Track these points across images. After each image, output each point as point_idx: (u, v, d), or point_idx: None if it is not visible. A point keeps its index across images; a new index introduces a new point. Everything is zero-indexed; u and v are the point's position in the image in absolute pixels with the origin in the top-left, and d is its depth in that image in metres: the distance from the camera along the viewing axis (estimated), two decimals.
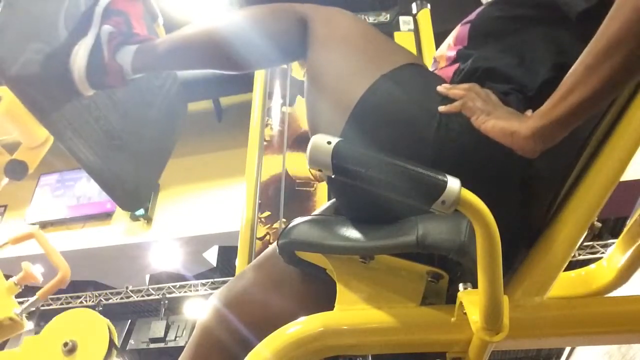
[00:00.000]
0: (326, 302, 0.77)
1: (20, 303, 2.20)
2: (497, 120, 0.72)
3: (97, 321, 2.21)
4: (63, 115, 1.09)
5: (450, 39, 0.92)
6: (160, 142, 1.34)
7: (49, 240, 2.29)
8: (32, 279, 2.23)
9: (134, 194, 1.25)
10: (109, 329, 2.17)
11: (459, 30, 0.90)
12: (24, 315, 2.15)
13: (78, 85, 1.07)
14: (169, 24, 1.21)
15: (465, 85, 0.77)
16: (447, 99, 0.77)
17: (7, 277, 2.28)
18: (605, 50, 0.62)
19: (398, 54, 0.86)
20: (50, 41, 1.07)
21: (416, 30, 2.62)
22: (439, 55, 0.93)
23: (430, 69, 0.93)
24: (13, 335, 2.23)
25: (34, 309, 2.30)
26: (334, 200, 0.98)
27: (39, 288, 2.24)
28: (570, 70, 0.66)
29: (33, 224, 6.14)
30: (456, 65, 0.85)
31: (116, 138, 1.21)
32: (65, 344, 2.10)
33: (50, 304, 6.47)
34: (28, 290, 2.33)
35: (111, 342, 2.12)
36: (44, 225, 6.02)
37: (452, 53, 0.88)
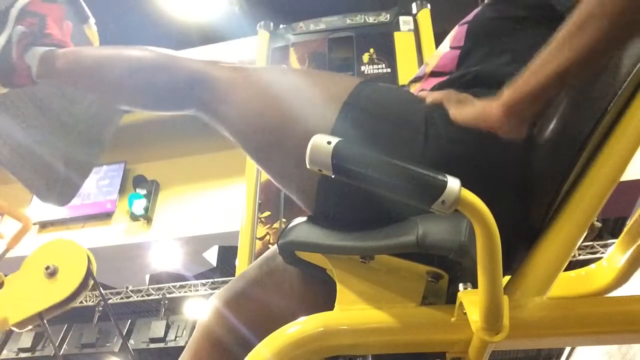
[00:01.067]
0: (326, 302, 0.77)
1: None
2: (470, 107, 0.73)
3: (77, 249, 2.29)
4: None
5: (447, 41, 0.92)
6: (87, 141, 1.33)
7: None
8: None
9: (56, 189, 1.26)
10: (88, 258, 2.24)
11: (457, 31, 0.90)
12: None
13: None
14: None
15: (442, 92, 0.79)
16: (424, 109, 0.77)
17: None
18: (578, 24, 0.62)
19: (341, 79, 0.85)
20: None
21: (416, 30, 2.62)
22: (434, 55, 0.94)
23: (419, 72, 0.93)
24: None
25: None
26: None
27: None
28: (547, 45, 0.66)
29: (33, 224, 6.13)
30: (438, 80, 0.85)
31: (36, 135, 1.22)
32: (47, 268, 2.18)
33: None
34: None
35: (89, 269, 2.19)
36: (43, 225, 6.02)
37: (450, 59, 0.88)
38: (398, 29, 2.64)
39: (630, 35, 0.62)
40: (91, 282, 2.24)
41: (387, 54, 2.60)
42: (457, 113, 0.74)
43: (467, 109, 0.74)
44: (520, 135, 0.71)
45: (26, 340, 6.74)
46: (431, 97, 0.79)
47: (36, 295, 2.17)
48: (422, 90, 0.89)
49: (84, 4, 1.26)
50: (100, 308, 6.78)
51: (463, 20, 0.91)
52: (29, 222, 2.41)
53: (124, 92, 0.99)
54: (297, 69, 0.88)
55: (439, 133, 0.74)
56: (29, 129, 1.21)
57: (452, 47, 0.89)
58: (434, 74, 0.90)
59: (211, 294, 6.54)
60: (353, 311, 0.74)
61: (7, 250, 2.35)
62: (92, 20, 1.28)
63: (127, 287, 6.85)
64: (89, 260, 2.24)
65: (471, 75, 0.82)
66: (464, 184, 0.57)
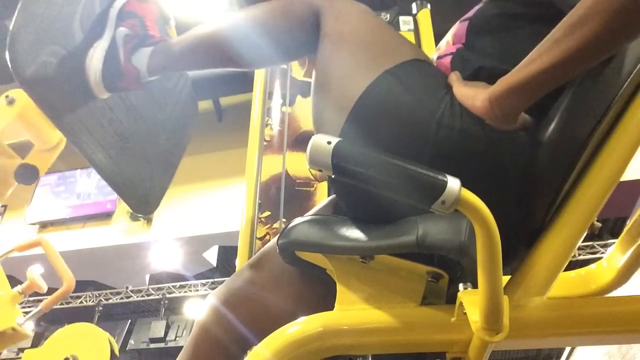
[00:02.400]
0: (326, 302, 0.77)
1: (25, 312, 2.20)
2: (467, 87, 0.76)
3: (98, 335, 2.22)
4: (77, 117, 1.08)
5: (449, 36, 0.92)
6: (172, 144, 1.33)
7: (55, 249, 2.28)
8: (37, 288, 2.22)
9: (146, 196, 1.25)
10: (109, 342, 2.17)
11: (458, 28, 0.90)
12: (27, 325, 2.15)
13: (93, 88, 1.07)
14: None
15: (453, 72, 0.82)
16: (446, 97, 0.77)
17: (9, 277, 2.27)
18: (572, 25, 0.63)
19: (403, 49, 0.86)
20: (66, 43, 1.07)
21: (416, 30, 2.62)
22: (435, 50, 0.94)
23: None
24: (14, 345, 2.23)
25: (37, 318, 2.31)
26: (331, 198, 0.98)
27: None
28: (541, 42, 0.67)
29: (33, 224, 6.14)
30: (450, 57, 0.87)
31: (129, 140, 1.20)
32: (66, 359, 2.11)
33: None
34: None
35: (112, 355, 2.13)
36: (44, 225, 6.02)
37: (450, 52, 0.88)
38: (398, 29, 2.64)
39: (621, 38, 0.63)
40: None
41: None
42: (457, 89, 0.77)
43: (465, 89, 0.76)
44: (505, 126, 0.73)
45: (26, 340, 6.73)
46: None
47: None
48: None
49: (164, 5, 1.24)
50: (101, 308, 6.78)
51: (464, 17, 0.91)
52: (72, 283, 2.29)
53: (256, 48, 0.97)
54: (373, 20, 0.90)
55: (452, 123, 0.75)
56: (124, 135, 1.19)
57: (453, 44, 0.89)
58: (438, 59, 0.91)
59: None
60: (353, 311, 0.74)
61: (40, 312, 2.26)
62: (172, 21, 1.27)
63: (127, 287, 6.86)
64: (111, 345, 2.16)
65: (470, 71, 0.82)
66: (466, 182, 0.57)
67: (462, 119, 0.75)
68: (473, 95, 0.74)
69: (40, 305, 2.25)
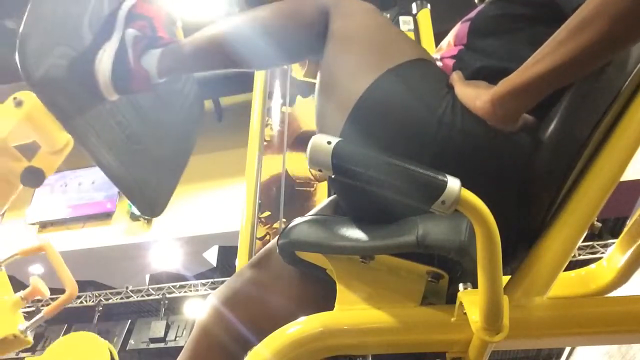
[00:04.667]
0: (326, 302, 0.77)
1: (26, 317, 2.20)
2: (469, 88, 0.76)
3: (98, 344, 2.22)
4: (86, 119, 1.07)
5: (450, 37, 0.92)
6: (179, 146, 1.33)
7: (58, 254, 2.28)
8: (39, 294, 2.22)
9: (154, 198, 1.24)
10: (110, 351, 2.17)
11: (459, 28, 0.90)
12: (28, 331, 2.14)
13: (103, 90, 1.06)
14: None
15: (455, 72, 0.82)
16: (448, 96, 0.77)
17: (9, 277, 2.27)
18: (576, 27, 0.63)
19: (406, 49, 0.86)
20: (75, 45, 1.06)
21: (416, 30, 2.62)
22: (436, 50, 0.94)
23: None
24: (14, 351, 2.23)
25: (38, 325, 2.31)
26: (331, 198, 0.98)
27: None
28: (544, 44, 0.67)
29: (33, 224, 6.14)
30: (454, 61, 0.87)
31: (137, 142, 1.20)
32: None
33: (50, 304, 6.48)
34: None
35: None
36: (44, 225, 6.03)
37: (452, 53, 0.88)
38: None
39: (625, 41, 0.63)
40: None
41: None
42: (459, 89, 0.77)
43: (467, 90, 0.76)
44: (507, 127, 0.73)
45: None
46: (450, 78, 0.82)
47: None
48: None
49: (171, 7, 1.24)
50: (101, 308, 6.78)
51: (466, 17, 0.91)
52: (74, 290, 2.29)
53: (265, 49, 0.97)
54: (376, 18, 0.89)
55: (453, 122, 0.75)
56: (132, 137, 1.18)
57: (455, 45, 0.89)
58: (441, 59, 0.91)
59: (211, 294, 6.54)
60: (353, 311, 0.74)
61: (42, 319, 2.26)
62: (179, 22, 1.27)
63: (127, 287, 6.86)
64: (111, 354, 2.15)
65: (471, 70, 0.82)
66: (466, 182, 0.57)
67: (463, 119, 0.75)
68: (475, 96, 0.74)
69: (43, 312, 2.25)
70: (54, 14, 1.03)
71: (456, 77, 0.80)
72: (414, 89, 0.79)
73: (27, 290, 2.22)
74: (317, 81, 0.90)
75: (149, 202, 1.23)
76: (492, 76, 0.78)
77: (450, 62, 0.87)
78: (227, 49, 1.00)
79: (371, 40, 0.86)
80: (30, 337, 2.14)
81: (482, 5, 0.90)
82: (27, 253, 2.30)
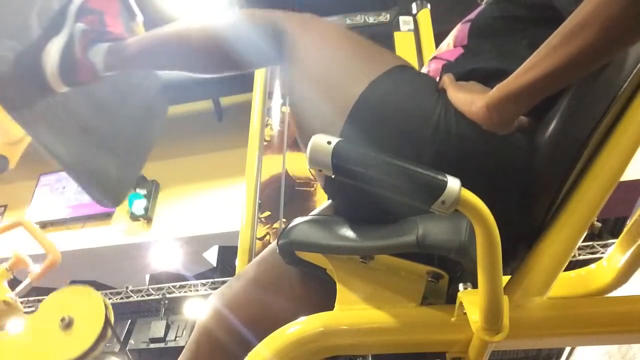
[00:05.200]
0: (326, 302, 0.77)
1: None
2: (463, 92, 0.75)
3: (94, 298, 2.25)
4: (36, 112, 1.09)
5: (450, 38, 0.92)
6: (138, 140, 1.34)
7: (36, 227, 2.33)
8: (22, 264, 2.26)
9: (111, 190, 1.26)
10: (105, 306, 2.20)
11: (459, 30, 0.90)
12: (18, 299, 2.17)
13: (51, 82, 1.07)
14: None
15: (446, 75, 0.81)
16: (439, 101, 0.77)
17: (11, 278, 2.30)
18: (570, 32, 0.63)
19: (386, 56, 0.86)
20: (23, 39, 1.08)
21: (416, 30, 2.62)
22: (436, 54, 0.94)
23: (424, 69, 0.93)
24: (10, 319, 2.26)
25: (26, 292, 2.35)
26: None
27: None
28: (537, 49, 0.67)
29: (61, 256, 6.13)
30: (440, 62, 0.86)
31: (93, 134, 1.21)
32: (63, 319, 2.13)
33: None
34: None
35: (107, 319, 2.15)
36: (44, 225, 6.02)
37: (451, 54, 0.88)
38: (398, 29, 2.64)
39: (619, 45, 0.63)
40: (109, 333, 2.17)
41: None
42: (452, 94, 0.77)
43: (461, 95, 0.76)
44: (503, 131, 0.73)
45: None
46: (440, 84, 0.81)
47: (52, 349, 2.09)
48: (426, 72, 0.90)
49: (132, 1, 1.25)
50: None
51: (466, 18, 0.91)
52: (57, 256, 2.35)
53: (208, 57, 0.98)
54: (346, 33, 0.88)
55: (449, 128, 0.75)
56: (87, 129, 1.20)
57: (455, 46, 0.89)
58: (435, 58, 0.91)
59: (211, 294, 6.53)
60: (353, 311, 0.74)
61: (29, 285, 2.31)
62: (139, 17, 1.27)
63: (127, 287, 6.85)
64: (106, 308, 2.18)
65: (463, 72, 0.82)
66: (466, 183, 0.57)
67: (458, 124, 0.75)
68: (470, 101, 0.74)
69: (29, 278, 2.29)
70: (0, 9, 1.04)
71: (447, 81, 0.79)
72: (403, 98, 0.79)
73: (11, 261, 2.26)
74: (289, 90, 0.89)
75: (108, 193, 1.24)
76: (489, 77, 0.78)
77: (440, 64, 0.87)
78: (173, 50, 1.02)
79: (345, 48, 0.85)
80: (20, 305, 2.18)
81: (482, 6, 0.90)
82: (3, 231, 2.35)
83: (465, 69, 0.83)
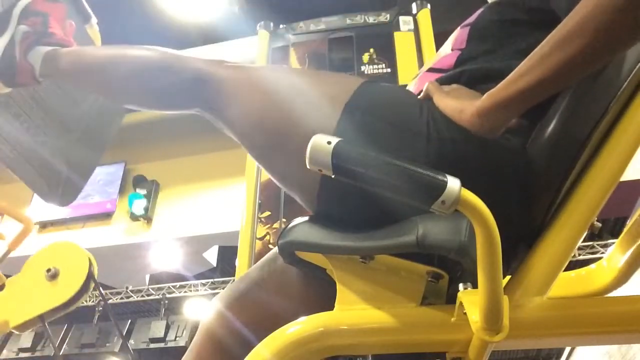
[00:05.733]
0: (326, 302, 0.77)
1: None
2: (451, 99, 0.76)
3: (78, 252, 2.30)
4: None
5: (449, 43, 0.92)
6: (91, 141, 1.34)
7: (6, 204, 2.39)
8: None
9: (62, 188, 1.26)
10: (89, 260, 2.24)
11: (459, 33, 0.90)
12: None
13: None
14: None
15: (430, 83, 0.81)
16: (424, 110, 0.77)
17: (7, 277, 2.30)
18: (560, 40, 0.63)
19: (345, 77, 0.86)
20: None
21: (416, 30, 2.62)
22: (435, 56, 0.94)
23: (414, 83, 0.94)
24: None
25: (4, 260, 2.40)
26: None
27: None
28: (528, 56, 0.67)
29: (33, 224, 6.13)
30: (435, 75, 0.86)
31: (39, 135, 1.22)
32: (48, 270, 2.17)
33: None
34: None
35: (90, 272, 2.19)
36: (44, 225, 6.02)
37: (450, 58, 0.88)
38: (398, 29, 2.64)
39: (610, 52, 0.63)
40: (92, 285, 2.24)
41: (387, 54, 2.60)
42: (439, 100, 0.77)
43: (449, 101, 0.76)
44: (493, 136, 0.73)
45: (26, 341, 6.74)
46: (423, 92, 0.80)
47: (37, 297, 2.17)
48: (417, 86, 0.90)
49: (85, 3, 1.26)
50: (100, 308, 6.77)
51: (465, 22, 0.91)
52: (30, 224, 2.43)
53: (129, 91, 0.98)
54: (300, 69, 0.88)
55: (440, 134, 0.75)
56: (32, 129, 1.21)
57: (453, 49, 0.89)
58: (431, 69, 0.90)
59: (211, 294, 6.55)
60: (353, 311, 0.74)
61: (8, 253, 2.36)
62: (94, 19, 1.28)
63: (127, 287, 6.85)
64: (90, 263, 2.24)
65: (467, 74, 0.82)
66: (466, 184, 0.57)
67: (449, 129, 0.75)
68: (460, 109, 0.74)
69: (7, 246, 2.33)
70: None
71: (432, 87, 0.79)
72: (385, 114, 0.78)
73: None
74: (249, 151, 0.89)
75: (57, 192, 1.25)
76: (479, 79, 0.79)
77: (434, 77, 0.86)
78: (96, 79, 1.02)
79: (304, 88, 0.84)
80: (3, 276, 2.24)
81: (481, 10, 0.90)
82: (17, 242, 2.38)
83: (457, 71, 0.83)
